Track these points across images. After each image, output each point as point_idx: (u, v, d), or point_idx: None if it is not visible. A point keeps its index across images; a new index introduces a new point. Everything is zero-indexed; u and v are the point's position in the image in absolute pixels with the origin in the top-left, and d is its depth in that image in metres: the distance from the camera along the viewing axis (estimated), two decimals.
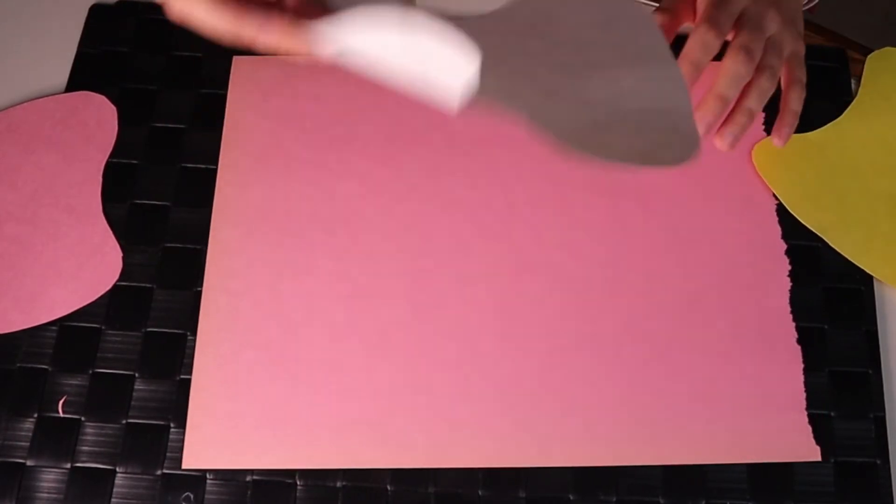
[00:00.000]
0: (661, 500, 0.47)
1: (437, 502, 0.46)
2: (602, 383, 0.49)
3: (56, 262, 0.50)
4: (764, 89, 0.48)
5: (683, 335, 0.50)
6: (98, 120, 0.54)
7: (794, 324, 0.50)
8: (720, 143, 0.49)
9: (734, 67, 0.47)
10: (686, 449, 0.47)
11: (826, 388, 0.49)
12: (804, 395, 0.49)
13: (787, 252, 0.52)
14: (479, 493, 0.47)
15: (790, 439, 0.48)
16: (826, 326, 0.51)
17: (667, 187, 0.54)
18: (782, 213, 0.53)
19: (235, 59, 0.56)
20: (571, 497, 0.47)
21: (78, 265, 0.50)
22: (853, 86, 0.58)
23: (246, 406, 0.47)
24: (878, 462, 0.48)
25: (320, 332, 0.49)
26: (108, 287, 0.50)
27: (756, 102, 0.49)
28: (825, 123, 0.56)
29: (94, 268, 0.50)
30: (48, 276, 0.50)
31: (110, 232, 0.51)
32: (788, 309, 0.51)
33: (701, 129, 0.47)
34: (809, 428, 0.48)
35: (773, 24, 0.48)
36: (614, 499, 0.47)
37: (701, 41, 0.48)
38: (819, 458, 0.47)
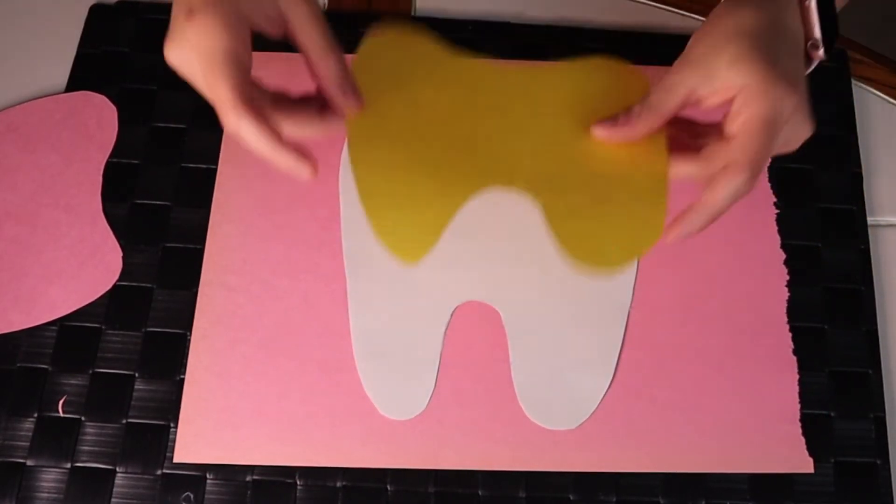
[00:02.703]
0: (661, 501, 0.47)
1: (437, 502, 0.46)
2: None
3: (56, 262, 0.50)
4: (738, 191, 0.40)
5: (679, 344, 0.50)
6: (98, 120, 0.54)
7: (790, 335, 0.50)
8: (671, 237, 0.42)
9: (741, 190, 0.40)
10: (680, 458, 0.47)
11: (826, 388, 0.49)
12: (799, 406, 0.49)
13: (786, 262, 0.52)
14: (479, 493, 0.47)
15: (784, 451, 0.48)
16: (826, 326, 0.51)
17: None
18: (782, 222, 0.53)
19: None
20: (571, 497, 0.47)
21: (78, 265, 0.50)
22: (853, 86, 0.58)
23: (240, 401, 0.47)
24: (878, 462, 0.48)
25: (316, 330, 0.49)
26: (108, 287, 0.50)
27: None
28: (825, 123, 0.56)
29: (94, 268, 0.50)
30: (48, 276, 0.50)
31: (110, 232, 0.51)
32: (785, 319, 0.51)
33: (680, 236, 0.42)
34: (803, 440, 0.48)
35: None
36: (614, 499, 0.47)
37: (735, 193, 0.40)
38: (812, 471, 0.47)
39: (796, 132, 0.42)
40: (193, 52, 0.40)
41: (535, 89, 0.47)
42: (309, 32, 0.43)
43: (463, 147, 0.45)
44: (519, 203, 0.45)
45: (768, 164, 0.43)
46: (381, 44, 0.47)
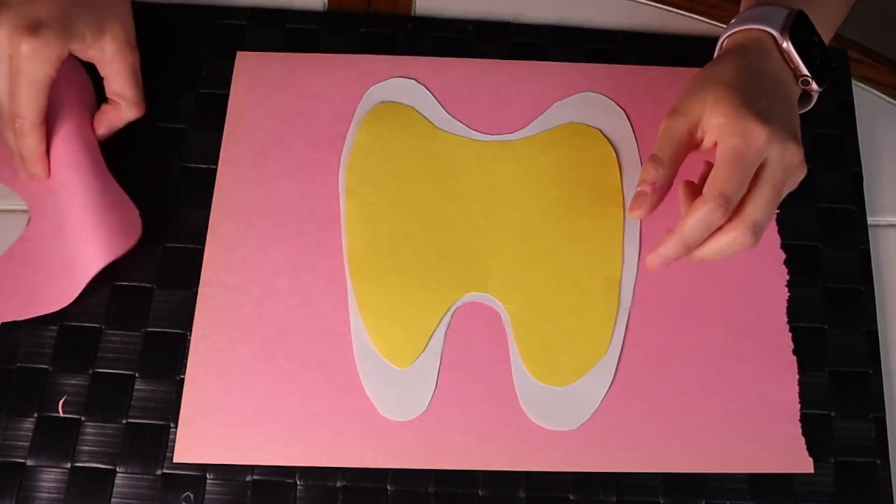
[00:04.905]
0: (661, 501, 0.47)
1: (437, 502, 0.46)
2: None
3: (76, 223, 0.48)
4: (727, 246, 0.44)
5: (679, 344, 0.50)
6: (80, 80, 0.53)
7: (790, 334, 0.50)
8: (648, 261, 0.46)
9: (708, 218, 0.42)
10: (680, 458, 0.47)
11: (826, 388, 0.49)
12: (799, 406, 0.49)
13: (786, 262, 0.52)
14: (479, 493, 0.47)
15: (784, 451, 0.48)
16: (826, 326, 0.51)
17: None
18: (782, 222, 0.53)
19: (239, 54, 0.56)
20: (571, 497, 0.47)
21: (98, 222, 0.48)
22: (853, 86, 0.58)
23: (240, 401, 0.47)
24: (878, 462, 0.48)
25: (316, 329, 0.49)
26: (133, 243, 0.49)
27: (710, 252, 0.44)
28: (826, 123, 0.56)
29: (116, 223, 0.49)
30: (70, 237, 0.48)
31: (122, 190, 0.50)
32: (785, 319, 0.51)
33: (656, 261, 0.45)
34: (803, 440, 0.48)
35: (788, 184, 0.45)
36: (614, 499, 0.47)
37: (704, 222, 0.42)
38: (812, 471, 0.47)
39: (791, 173, 0.45)
40: (10, 64, 0.45)
41: (512, 164, 0.54)
42: (126, 77, 0.50)
43: (446, 249, 0.51)
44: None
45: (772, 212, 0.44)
46: (373, 128, 0.54)
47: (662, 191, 0.46)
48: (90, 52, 0.48)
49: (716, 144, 0.45)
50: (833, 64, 0.49)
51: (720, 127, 0.44)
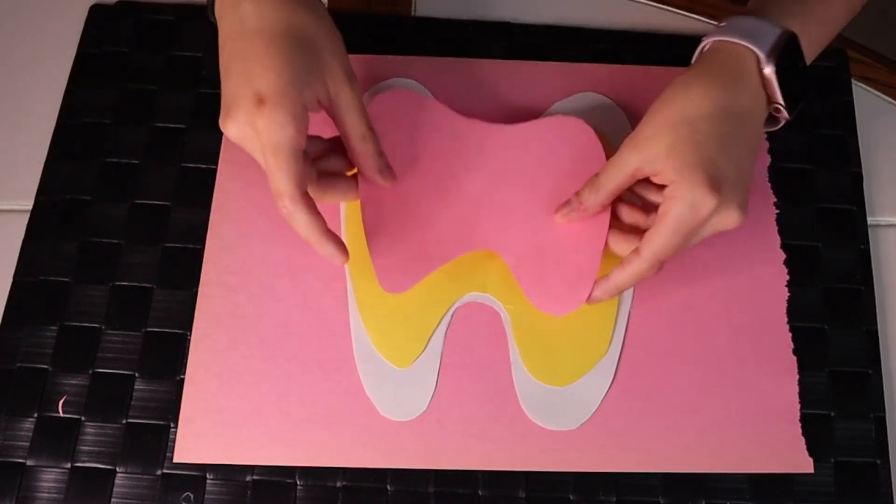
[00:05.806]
0: (661, 501, 0.47)
1: (437, 502, 0.46)
2: None
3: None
4: (633, 279, 0.45)
5: (679, 345, 0.50)
6: None
7: (790, 334, 0.50)
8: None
9: (642, 275, 0.44)
10: (680, 458, 0.47)
11: (826, 388, 0.49)
12: (798, 406, 0.49)
13: (786, 262, 0.52)
14: (479, 493, 0.47)
15: (784, 451, 0.48)
16: (826, 326, 0.51)
17: None
18: (782, 222, 0.53)
19: None
20: (571, 497, 0.47)
21: None
22: (853, 86, 0.58)
23: (239, 401, 0.47)
24: (878, 462, 0.48)
25: (316, 329, 0.49)
26: None
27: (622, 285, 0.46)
28: (826, 123, 0.56)
29: None
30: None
31: None
32: (785, 319, 0.51)
33: (591, 300, 0.47)
34: (803, 440, 0.48)
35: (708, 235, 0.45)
36: (614, 499, 0.47)
37: (637, 278, 0.45)
38: (812, 471, 0.47)
39: (721, 223, 0.44)
40: (259, 143, 0.42)
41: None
42: (352, 116, 0.45)
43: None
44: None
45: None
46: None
47: (588, 215, 0.48)
48: (319, 94, 0.44)
49: (661, 187, 0.44)
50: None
51: (671, 186, 0.43)
